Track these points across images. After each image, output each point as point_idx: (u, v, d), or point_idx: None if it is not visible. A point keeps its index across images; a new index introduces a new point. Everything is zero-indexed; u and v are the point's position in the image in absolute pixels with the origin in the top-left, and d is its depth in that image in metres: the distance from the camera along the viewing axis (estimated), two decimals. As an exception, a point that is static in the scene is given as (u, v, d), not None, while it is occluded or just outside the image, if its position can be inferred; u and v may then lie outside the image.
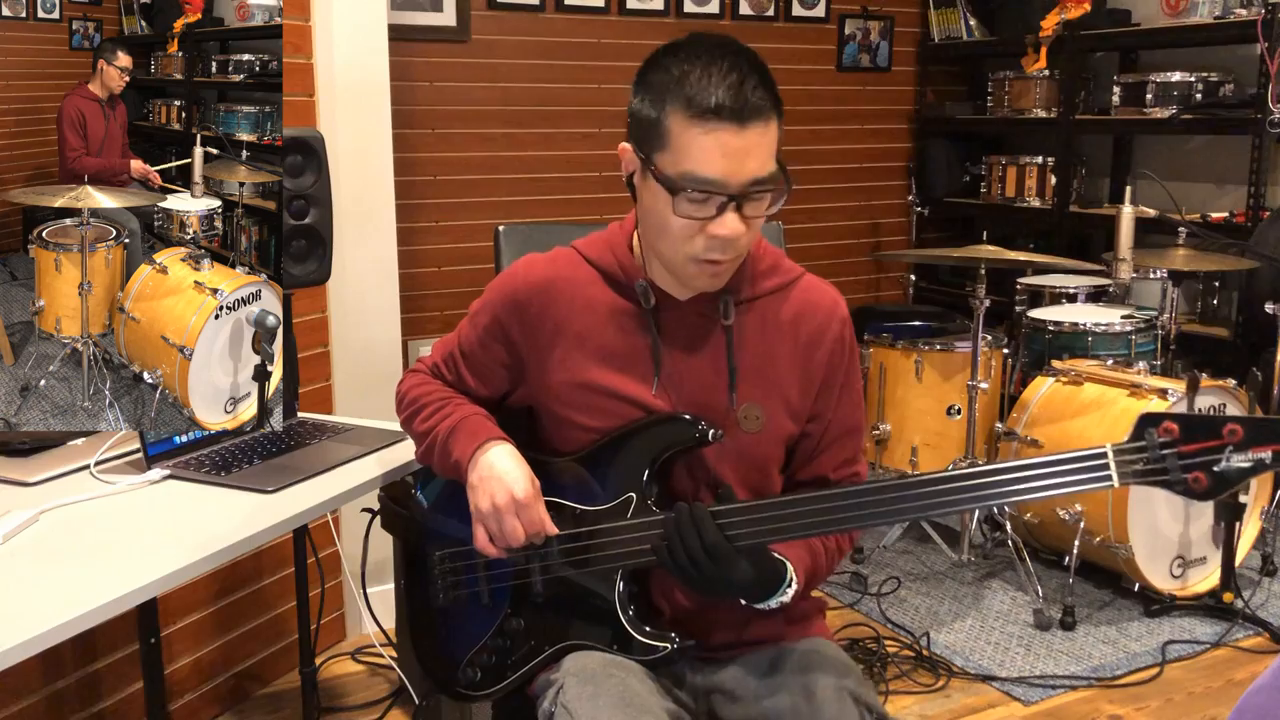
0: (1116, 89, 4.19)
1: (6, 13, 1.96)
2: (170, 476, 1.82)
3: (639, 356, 1.49)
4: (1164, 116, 3.98)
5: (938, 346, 3.48)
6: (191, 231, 2.25)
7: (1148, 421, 1.24)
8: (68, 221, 2.07)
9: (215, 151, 2.26)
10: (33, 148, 2.08)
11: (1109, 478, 1.26)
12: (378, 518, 2.34)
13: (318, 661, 2.67)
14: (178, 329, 2.08)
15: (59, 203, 2.06)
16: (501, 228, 2.19)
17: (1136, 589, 3.21)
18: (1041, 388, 3.37)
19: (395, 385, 1.69)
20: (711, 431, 1.44)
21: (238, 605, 2.73)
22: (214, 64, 2.34)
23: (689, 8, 4.30)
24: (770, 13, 4.50)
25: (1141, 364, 3.29)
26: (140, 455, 1.84)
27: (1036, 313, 3.72)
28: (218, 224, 2.27)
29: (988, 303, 3.29)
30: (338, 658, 2.97)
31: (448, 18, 3.86)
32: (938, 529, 3.58)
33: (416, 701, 2.54)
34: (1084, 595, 3.26)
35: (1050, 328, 3.61)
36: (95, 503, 1.71)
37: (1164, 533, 3.16)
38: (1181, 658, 2.94)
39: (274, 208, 2.21)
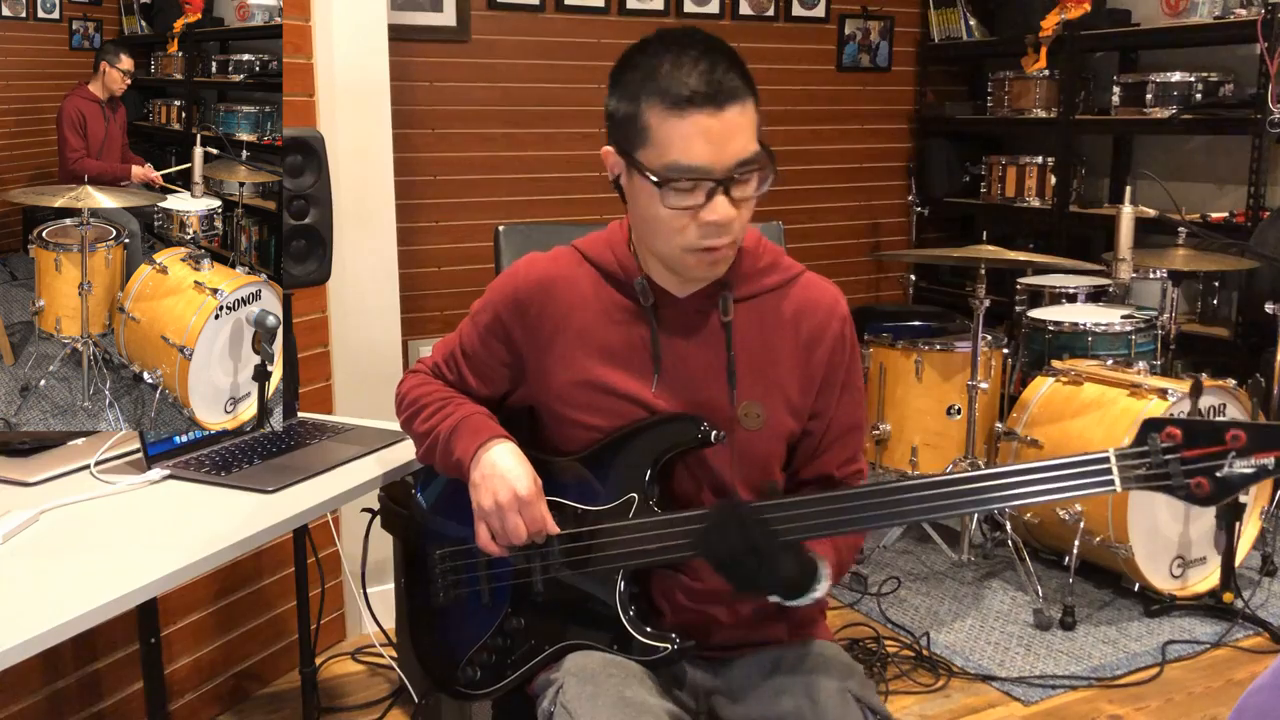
0: (1116, 89, 4.19)
1: (6, 13, 1.96)
2: (170, 476, 1.82)
3: (639, 354, 1.49)
4: (1164, 116, 3.98)
5: (938, 346, 3.49)
6: (191, 231, 2.25)
7: (1151, 426, 1.24)
8: (68, 221, 2.07)
9: (215, 151, 2.26)
10: (33, 148, 2.08)
11: (1111, 483, 1.26)
12: (378, 518, 2.34)
13: (318, 661, 2.67)
14: (178, 329, 2.08)
15: (59, 203, 2.06)
16: (501, 228, 2.19)
17: (1136, 589, 3.21)
18: (1041, 388, 3.37)
19: (395, 385, 1.69)
20: (714, 432, 1.44)
21: (238, 605, 2.73)
22: (214, 64, 2.35)
23: (689, 8, 4.30)
24: (770, 13, 4.50)
25: (1141, 364, 3.29)
26: (140, 455, 1.84)
27: (1036, 313, 3.72)
28: (218, 224, 2.27)
29: (988, 303, 3.29)
30: (338, 658, 2.97)
31: (448, 18, 3.86)
32: (938, 529, 3.58)
33: (416, 701, 2.54)
34: (1084, 595, 3.26)
35: (1050, 328, 3.61)
36: (95, 503, 1.71)
37: (1164, 533, 3.16)
38: (1181, 658, 2.94)
39: (274, 208, 2.21)
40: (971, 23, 4.76)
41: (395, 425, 1.76)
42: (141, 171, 2.24)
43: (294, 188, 2.06)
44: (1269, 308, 3.27)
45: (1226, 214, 3.96)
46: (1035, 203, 4.53)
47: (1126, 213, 3.36)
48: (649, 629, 1.46)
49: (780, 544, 1.35)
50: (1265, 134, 3.70)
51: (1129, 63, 4.38)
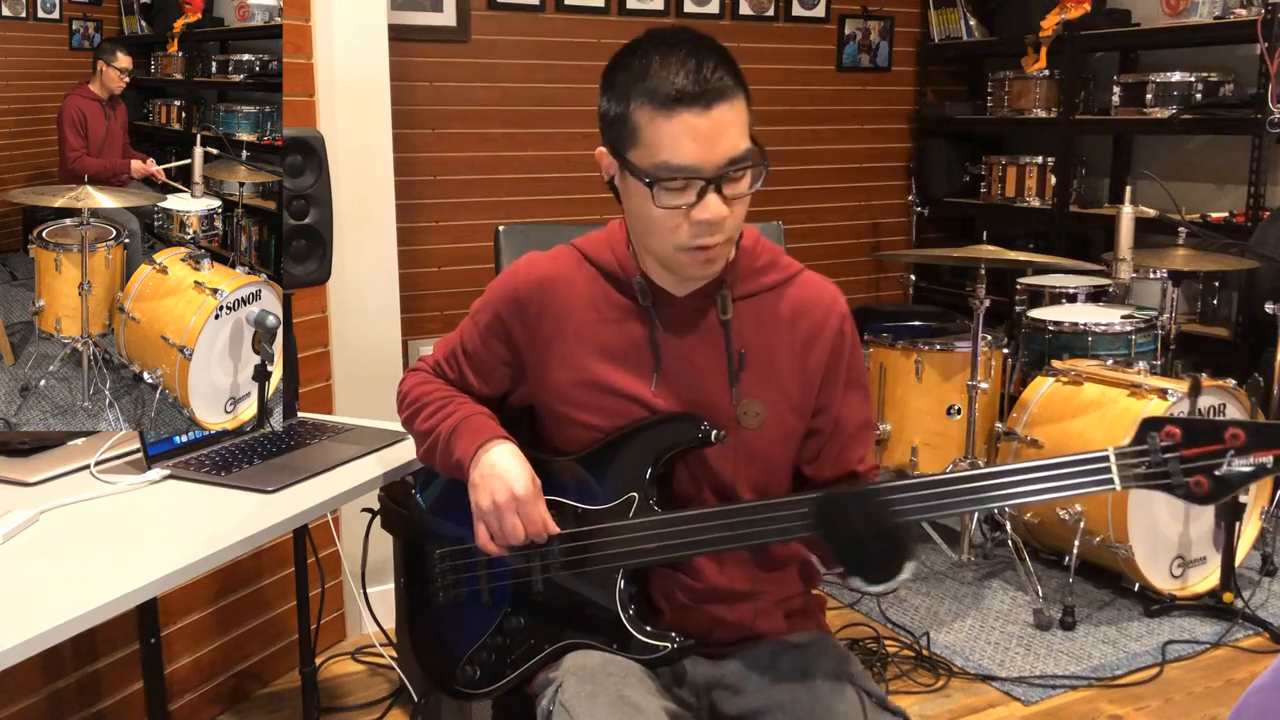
0: (1116, 89, 4.19)
1: (6, 13, 1.96)
2: (170, 476, 1.82)
3: (638, 353, 1.49)
4: (1164, 116, 3.98)
5: (938, 346, 3.48)
6: (191, 231, 2.25)
7: (1150, 425, 1.25)
8: (68, 221, 2.08)
9: (215, 151, 2.26)
10: (33, 148, 2.08)
11: (1111, 481, 1.26)
12: (378, 518, 2.35)
13: (318, 661, 2.67)
14: (178, 329, 2.08)
15: (59, 203, 2.06)
16: (501, 228, 2.20)
17: (1136, 589, 3.21)
18: (1041, 388, 3.37)
19: (395, 385, 1.69)
20: (715, 432, 1.44)
21: (238, 605, 2.73)
22: (214, 64, 2.35)
23: (689, 8, 4.30)
24: (770, 13, 4.50)
25: (1141, 364, 3.29)
26: (140, 455, 1.84)
27: (1036, 313, 3.72)
28: (218, 224, 2.27)
29: (988, 303, 3.29)
30: (338, 658, 2.97)
31: (448, 18, 3.86)
32: (938, 529, 3.58)
33: (416, 701, 2.54)
34: (1084, 595, 3.26)
35: (1050, 328, 3.61)
36: (95, 503, 1.71)
37: (1164, 533, 3.16)
38: (1181, 658, 2.94)
39: (274, 208, 2.21)
40: (971, 23, 4.76)
41: (395, 425, 1.77)
42: (142, 166, 2.24)
43: (294, 188, 2.06)
44: (1269, 308, 3.28)
45: (1226, 214, 3.96)
46: (1035, 203, 4.53)
47: (1126, 213, 3.37)
48: (648, 628, 1.46)
49: (904, 525, 1.34)
50: (1265, 134, 3.70)
51: (1129, 63, 4.38)
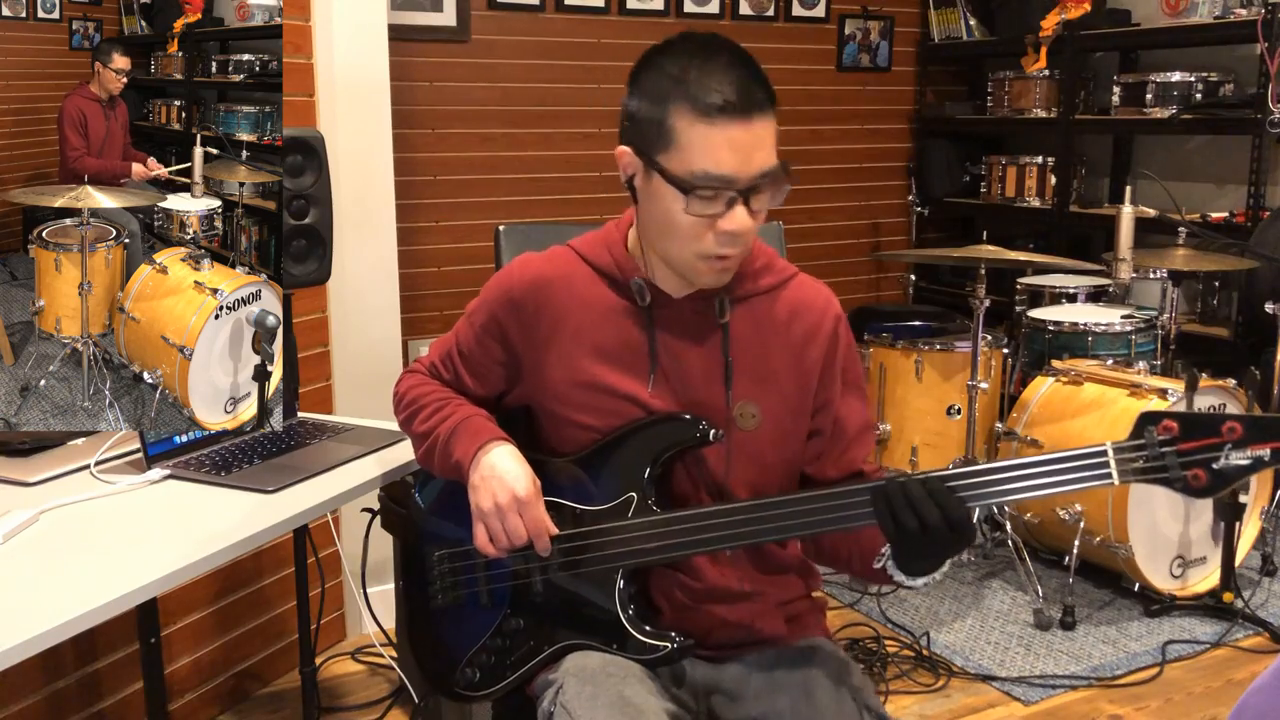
0: (1116, 89, 4.19)
1: (6, 13, 1.96)
2: (170, 476, 1.82)
3: (635, 353, 1.49)
4: (1164, 116, 3.98)
5: (938, 346, 3.48)
6: (191, 231, 2.25)
7: (1147, 420, 1.25)
8: (68, 221, 2.08)
9: (215, 151, 2.26)
10: (33, 148, 2.08)
11: (1109, 475, 1.26)
12: (378, 518, 2.35)
13: (318, 661, 2.67)
14: (178, 329, 2.08)
15: (59, 203, 2.06)
16: (501, 228, 2.20)
17: (1136, 589, 3.21)
18: (1041, 388, 3.38)
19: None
20: (712, 431, 1.44)
21: (238, 605, 2.73)
22: (214, 64, 2.35)
23: (689, 8, 4.30)
24: (770, 13, 4.50)
25: (1141, 364, 3.29)
26: (140, 455, 1.84)
27: (1036, 313, 3.72)
28: (218, 224, 2.27)
29: (988, 303, 3.29)
30: (338, 658, 2.97)
31: (448, 18, 3.86)
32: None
33: (416, 701, 2.54)
34: (1084, 595, 3.26)
35: (1050, 328, 3.61)
36: (95, 503, 1.71)
37: (1164, 533, 3.16)
38: (1181, 658, 2.94)
39: (274, 208, 2.22)
40: (971, 23, 4.76)
41: (395, 425, 1.76)
42: (142, 169, 2.24)
43: (294, 188, 2.06)
44: (1269, 308, 3.28)
45: (1226, 214, 3.96)
46: (1035, 203, 4.53)
47: (1126, 213, 3.37)
48: (648, 628, 1.46)
49: (970, 514, 1.31)
50: (1265, 134, 3.70)
51: (1129, 63, 4.38)
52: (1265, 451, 1.21)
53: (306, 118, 2.76)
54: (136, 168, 2.23)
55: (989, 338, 3.43)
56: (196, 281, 2.12)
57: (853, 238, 4.90)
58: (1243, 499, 3.09)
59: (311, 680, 2.38)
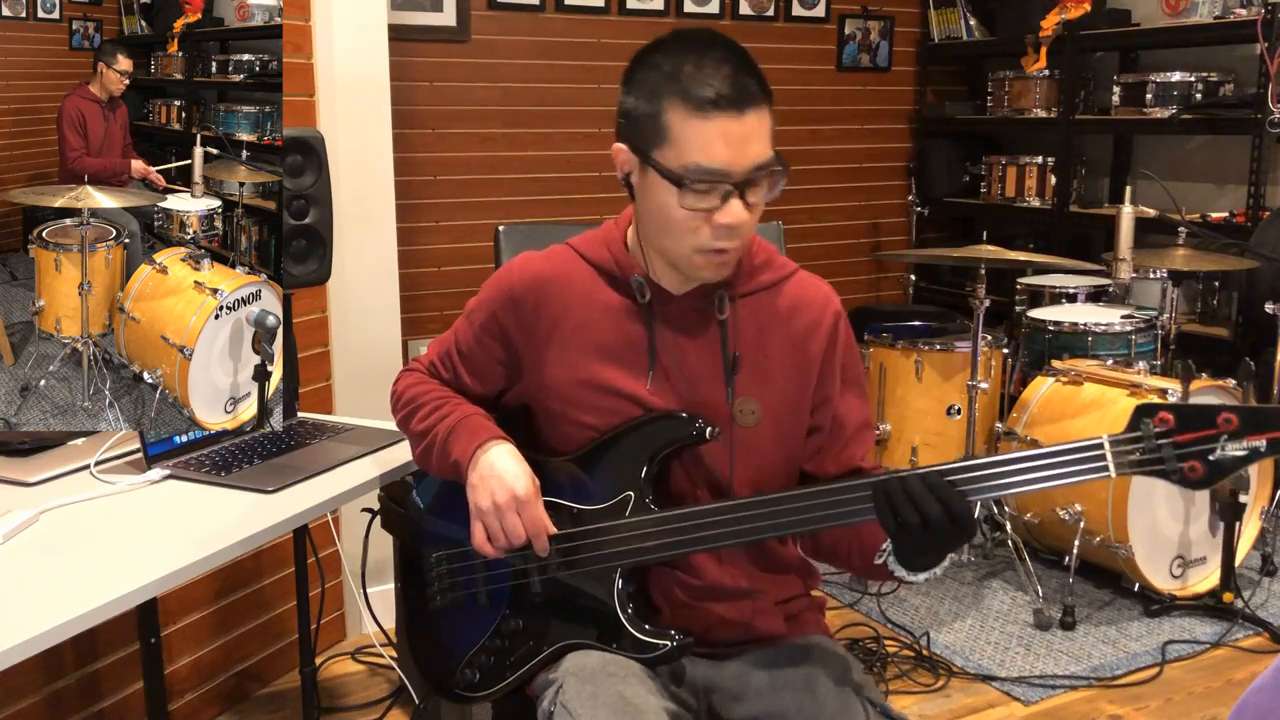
0: (1116, 89, 4.19)
1: (6, 13, 1.96)
2: (170, 476, 1.82)
3: (634, 351, 1.49)
4: (1164, 116, 3.98)
5: (938, 346, 3.49)
6: (191, 231, 2.25)
7: (1143, 412, 1.25)
8: (68, 221, 2.08)
9: (215, 151, 2.26)
10: (33, 148, 2.08)
11: (1105, 468, 1.26)
12: (378, 518, 2.35)
13: (318, 661, 2.67)
14: (178, 329, 2.08)
15: (59, 203, 2.06)
16: (501, 228, 2.20)
17: (1136, 589, 3.21)
18: (1041, 388, 3.38)
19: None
20: (709, 429, 1.44)
21: (238, 605, 2.73)
22: (214, 64, 2.35)
23: (689, 8, 4.30)
24: (770, 13, 4.50)
25: (1141, 364, 3.29)
26: (140, 455, 1.84)
27: (1036, 313, 3.72)
28: (218, 224, 2.27)
29: (988, 303, 3.29)
30: (338, 658, 2.97)
31: (448, 18, 3.86)
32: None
33: (416, 701, 2.54)
34: (1084, 595, 3.26)
35: (1050, 328, 3.61)
36: (95, 503, 1.71)
37: (1164, 532, 3.16)
38: (1181, 658, 2.94)
39: (274, 208, 2.22)
40: (971, 23, 4.76)
41: (395, 425, 1.76)
42: (141, 165, 2.24)
43: (294, 188, 2.06)
44: (1269, 308, 3.27)
45: (1226, 214, 3.96)
46: (1035, 203, 4.53)
47: (1126, 213, 3.36)
48: (647, 627, 1.46)
49: (970, 507, 1.30)
50: (1265, 134, 3.70)
51: (1129, 63, 4.38)
52: (1261, 442, 1.21)
53: (306, 118, 2.76)
54: (136, 164, 2.23)
55: (989, 338, 3.43)
56: (196, 281, 2.12)
57: (853, 238, 4.90)
58: (1243, 499, 3.08)
59: (311, 680, 2.38)
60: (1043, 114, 4.48)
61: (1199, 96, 3.95)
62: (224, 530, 1.59)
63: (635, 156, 1.41)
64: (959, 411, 3.44)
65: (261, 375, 2.06)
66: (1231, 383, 3.14)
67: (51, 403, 2.04)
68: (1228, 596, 3.09)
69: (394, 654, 2.84)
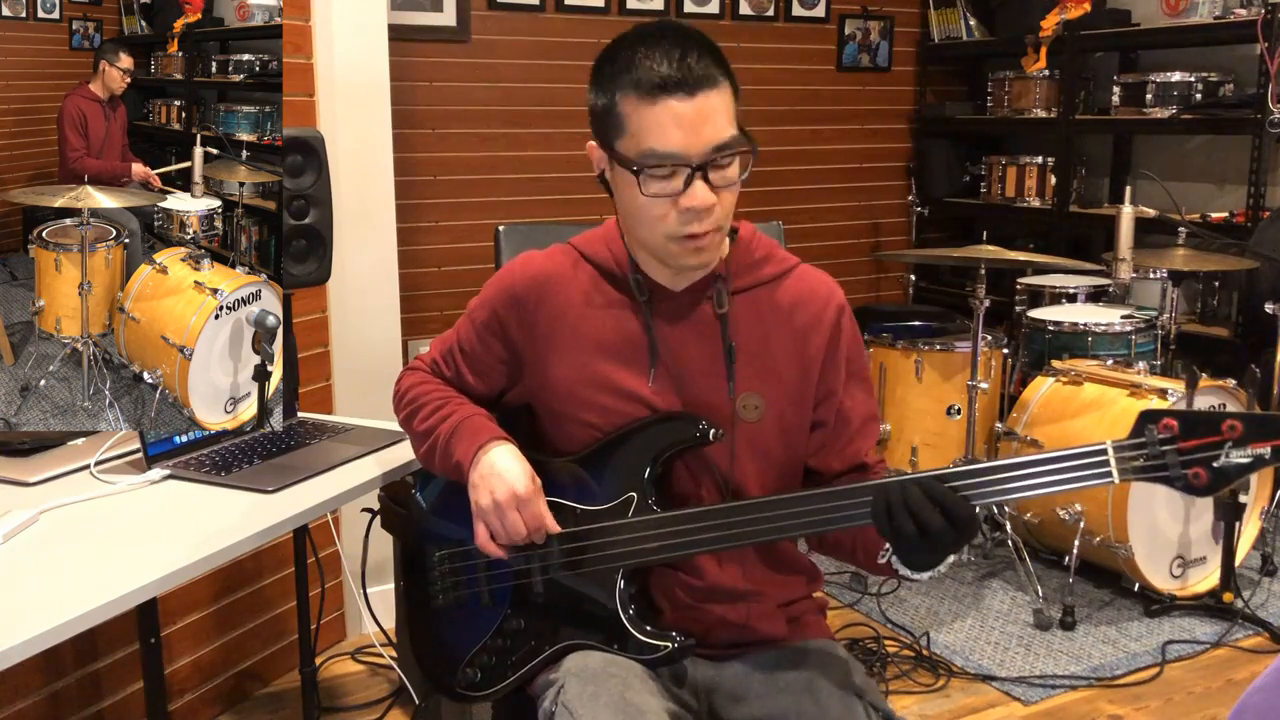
0: (1116, 89, 4.19)
1: (6, 13, 1.96)
2: (170, 476, 1.82)
3: (635, 349, 1.49)
4: (1164, 116, 3.99)
5: (938, 346, 3.49)
6: (191, 231, 2.25)
7: (1147, 418, 1.25)
8: (68, 221, 2.07)
9: (215, 151, 2.26)
10: (33, 148, 2.08)
11: (1109, 474, 1.26)
12: (378, 518, 2.35)
13: (318, 661, 2.67)
14: (178, 329, 2.08)
15: (59, 203, 2.06)
16: (502, 228, 2.20)
17: (1136, 589, 3.21)
18: (1041, 388, 3.37)
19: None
20: (713, 430, 1.44)
21: (238, 605, 2.73)
22: (214, 64, 2.34)
23: (689, 8, 4.30)
24: (770, 13, 4.50)
25: (1141, 364, 3.29)
26: (140, 455, 1.84)
27: (1036, 313, 3.72)
28: (218, 224, 2.27)
29: (988, 303, 3.29)
30: (338, 658, 2.97)
31: (448, 18, 3.86)
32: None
33: (416, 701, 2.54)
34: (1084, 595, 3.26)
35: (1050, 328, 3.61)
36: (95, 503, 1.71)
37: (1164, 533, 3.16)
38: (1181, 658, 2.94)
39: (274, 208, 2.21)
40: (971, 23, 4.76)
41: (395, 425, 1.76)
42: (142, 169, 2.24)
43: (294, 188, 2.06)
44: (1269, 308, 3.27)
45: (1226, 214, 3.96)
46: (1035, 203, 4.53)
47: (1126, 213, 3.36)
48: (649, 628, 1.46)
49: (974, 511, 1.30)
50: (1265, 134, 3.70)
51: (1129, 63, 4.39)
52: (1266, 450, 1.21)
53: (306, 118, 2.76)
54: (136, 167, 2.23)
55: (989, 338, 3.43)
56: (196, 281, 2.12)
57: (853, 238, 4.90)
58: (1243, 499, 3.08)
59: (311, 680, 2.38)
60: (1043, 114, 4.49)
61: (1199, 96, 3.95)
62: (224, 530, 1.59)
63: (603, 152, 1.43)
64: (959, 411, 3.44)
65: (261, 375, 2.06)
66: (1232, 383, 3.14)
67: (51, 403, 2.04)
68: (1228, 596, 3.09)
69: (394, 654, 2.84)
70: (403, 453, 1.93)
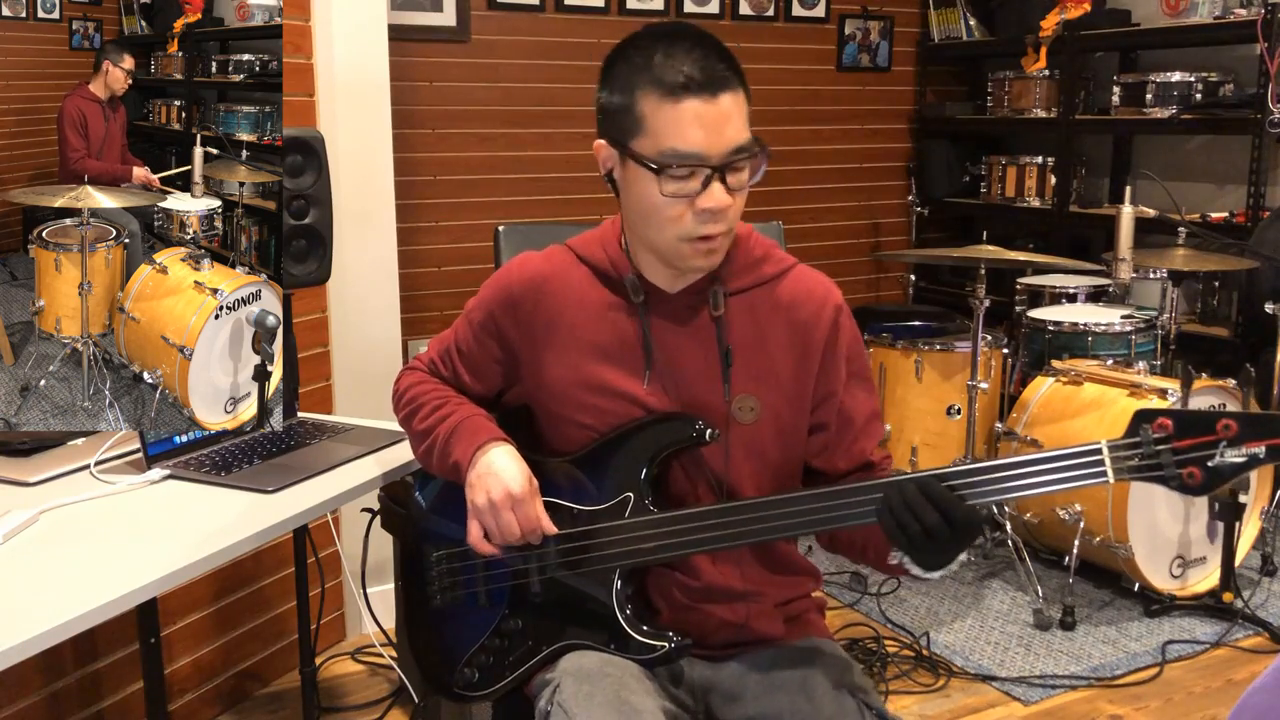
0: (1116, 89, 4.19)
1: (6, 13, 1.96)
2: (170, 476, 1.82)
3: (631, 351, 1.49)
4: (1164, 116, 3.98)
5: (938, 346, 3.49)
6: (191, 231, 2.25)
7: (1142, 418, 1.25)
8: (68, 221, 2.08)
9: (215, 151, 2.26)
10: (33, 148, 2.08)
11: (1104, 474, 1.26)
12: (378, 518, 2.35)
13: (318, 661, 2.67)
14: (178, 329, 2.08)
15: (59, 203, 2.06)
16: (501, 228, 2.20)
17: (1136, 589, 3.21)
18: (1041, 388, 3.37)
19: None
20: (709, 431, 1.44)
21: (238, 605, 2.73)
22: (214, 64, 2.35)
23: (689, 8, 4.30)
24: (770, 13, 4.50)
25: (1141, 364, 3.29)
26: (140, 455, 1.84)
27: (1036, 313, 3.72)
28: (218, 224, 2.27)
29: (988, 303, 3.29)
30: (338, 658, 2.97)
31: (448, 18, 3.86)
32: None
33: (416, 701, 2.54)
34: (1084, 595, 3.26)
35: (1050, 328, 3.61)
36: (95, 503, 1.71)
37: (1164, 532, 3.16)
38: (1181, 658, 2.94)
39: (274, 208, 2.21)
40: (971, 23, 4.76)
41: (395, 425, 1.77)
42: (142, 173, 2.24)
43: (294, 188, 2.06)
44: (1269, 308, 3.27)
45: (1226, 214, 3.96)
46: (1035, 203, 4.53)
47: (1126, 213, 3.36)
48: (646, 628, 1.46)
49: (972, 510, 1.30)
50: (1265, 134, 3.70)
51: (1129, 63, 4.38)
52: (1260, 449, 1.21)
53: (306, 118, 2.76)
54: (137, 171, 2.24)
55: (989, 338, 3.43)
56: (196, 281, 2.12)
57: (853, 238, 4.90)
58: (1242, 499, 3.09)
59: (311, 680, 2.38)
60: (1043, 114, 4.48)
61: (1199, 96, 3.95)
62: (224, 530, 1.59)
63: (615, 150, 1.42)
64: (959, 411, 3.44)
65: (261, 375, 2.06)
66: (1232, 383, 3.14)
67: (51, 403, 2.04)
68: (1228, 596, 3.09)
69: (394, 654, 2.84)
70: (402, 453, 1.93)
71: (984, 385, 3.35)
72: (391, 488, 2.20)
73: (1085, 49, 4.36)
